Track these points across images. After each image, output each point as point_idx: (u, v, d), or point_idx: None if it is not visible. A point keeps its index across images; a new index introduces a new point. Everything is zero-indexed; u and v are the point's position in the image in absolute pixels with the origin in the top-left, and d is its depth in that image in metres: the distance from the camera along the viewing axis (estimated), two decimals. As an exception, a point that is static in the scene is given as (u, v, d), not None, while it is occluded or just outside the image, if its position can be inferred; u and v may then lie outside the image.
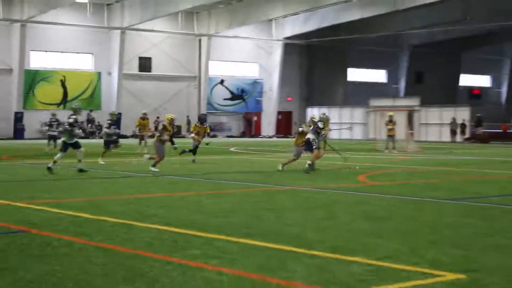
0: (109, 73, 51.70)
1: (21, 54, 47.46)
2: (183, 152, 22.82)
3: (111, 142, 23.05)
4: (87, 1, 49.12)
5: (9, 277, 6.38)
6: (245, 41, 57.46)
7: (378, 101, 52.22)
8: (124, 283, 6.13)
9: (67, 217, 10.12)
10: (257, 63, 58.99)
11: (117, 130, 24.41)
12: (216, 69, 56.63)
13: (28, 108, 48.62)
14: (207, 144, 24.35)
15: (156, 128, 49.11)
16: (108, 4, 50.50)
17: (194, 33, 54.60)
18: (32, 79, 48.84)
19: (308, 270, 6.65)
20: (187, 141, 30.17)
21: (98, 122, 50.00)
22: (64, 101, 50.12)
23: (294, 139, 20.54)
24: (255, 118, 59.47)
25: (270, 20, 55.06)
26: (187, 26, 54.16)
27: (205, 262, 6.96)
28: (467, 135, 48.66)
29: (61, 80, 49.96)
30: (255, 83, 59.01)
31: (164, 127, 19.68)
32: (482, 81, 75.83)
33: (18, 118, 48.00)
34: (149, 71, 53.85)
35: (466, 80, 73.08)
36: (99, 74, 51.56)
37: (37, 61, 49.36)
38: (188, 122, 52.72)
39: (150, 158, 20.34)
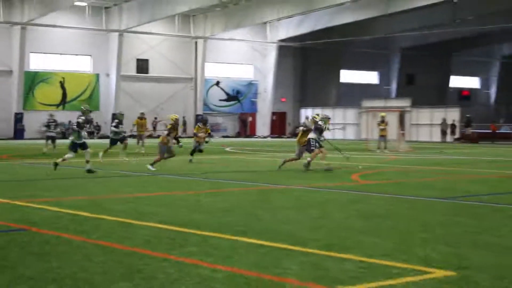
0: (107, 75, 52.12)
1: (21, 56, 47.84)
2: (199, 151, 23.02)
3: (117, 140, 23.54)
4: (86, 4, 49.52)
5: (9, 274, 6.40)
6: (241, 43, 57.84)
7: (370, 102, 52.70)
8: (122, 280, 6.15)
9: (66, 216, 10.12)
10: (252, 65, 59.33)
11: (124, 131, 24.60)
12: (212, 70, 56.99)
13: (28, 109, 49.03)
14: (206, 142, 23.89)
15: (154, 128, 50.32)
16: (106, 7, 50.99)
17: (191, 35, 54.99)
18: (32, 80, 49.30)
19: (302, 267, 6.68)
20: (186, 141, 30.33)
21: (97, 122, 50.71)
22: (63, 102, 50.72)
23: (297, 138, 20.40)
24: (250, 119, 59.73)
25: (265, 23, 55.41)
26: (183, 28, 54.61)
27: (201, 259, 6.98)
28: (457, 135, 48.90)
29: (60, 82, 50.43)
30: (250, 84, 59.37)
31: (172, 127, 19.89)
32: (472, 82, 76.37)
33: (18, 118, 48.46)
34: (147, 73, 54.33)
35: (456, 81, 73.53)
36: (97, 75, 52.00)
37: (37, 63, 49.80)
38: (184, 123, 53.54)
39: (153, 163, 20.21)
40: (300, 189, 14.35)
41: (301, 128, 20.44)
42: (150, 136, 44.63)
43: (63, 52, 50.82)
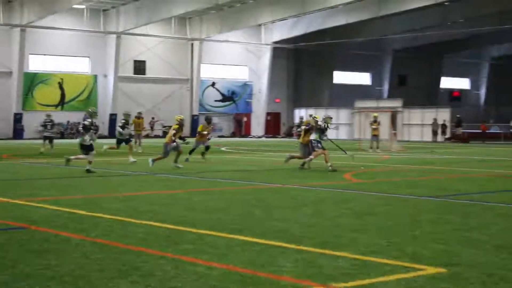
0: (105, 76, 52.52)
1: (20, 57, 48.18)
2: (206, 149, 23.48)
3: (122, 141, 23.62)
4: (84, 6, 49.85)
5: (9, 271, 6.45)
6: (236, 45, 58.22)
7: (362, 103, 52.85)
8: (119, 277, 6.17)
9: (65, 214, 10.17)
10: (247, 66, 59.66)
11: (130, 131, 24.80)
12: (208, 72, 57.34)
13: (27, 109, 49.34)
14: (208, 139, 24.18)
15: (152, 128, 50.95)
16: (104, 10, 51.42)
17: (187, 37, 55.37)
18: (31, 81, 49.68)
19: (296, 264, 6.73)
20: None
21: (94, 122, 51.24)
22: (61, 102, 51.16)
23: (300, 137, 20.48)
24: (245, 119, 60.05)
25: (259, 25, 55.65)
26: (179, 30, 55.03)
27: (196, 257, 7.01)
28: (447, 135, 49.16)
29: (59, 83, 50.83)
30: (245, 85, 59.68)
31: (179, 127, 20.26)
32: (462, 83, 76.60)
33: (18, 119, 48.79)
34: (144, 74, 54.70)
35: (447, 82, 73.77)
36: (95, 76, 52.37)
37: (36, 64, 50.20)
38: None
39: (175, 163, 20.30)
40: (294, 188, 14.39)
41: (303, 127, 20.49)
42: (147, 136, 45.34)
43: (61, 54, 51.22)
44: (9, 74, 48.97)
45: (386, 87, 68.79)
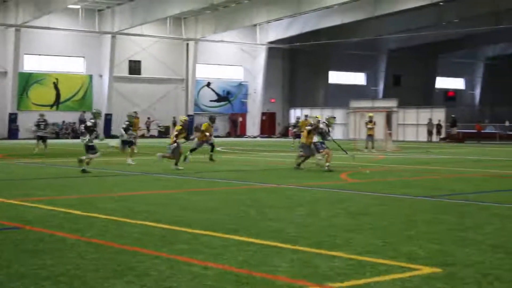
0: (100, 76, 52.55)
1: (15, 57, 48.21)
2: (212, 150, 23.50)
3: (126, 143, 23.28)
4: (79, 6, 49.87)
5: (3, 271, 6.44)
6: (231, 45, 58.24)
7: (358, 103, 53.07)
8: (114, 277, 6.18)
9: (60, 214, 10.20)
10: (242, 66, 59.71)
11: (134, 133, 24.32)
12: (203, 72, 57.43)
13: (22, 109, 49.33)
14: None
15: (148, 128, 50.91)
16: (99, 10, 51.46)
17: (182, 37, 55.43)
18: (26, 81, 49.69)
19: (292, 264, 6.74)
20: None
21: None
22: (56, 102, 51.21)
23: (303, 137, 20.46)
24: (240, 119, 60.09)
25: (255, 25, 55.65)
26: (175, 31, 55.06)
27: (191, 256, 7.03)
28: (442, 135, 49.38)
29: (54, 83, 50.87)
30: (240, 85, 59.75)
31: (182, 128, 20.34)
32: (457, 83, 76.77)
33: (12, 119, 48.84)
34: (139, 74, 54.75)
35: (442, 82, 73.90)
36: (90, 76, 52.41)
37: (31, 64, 50.23)
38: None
39: (164, 157, 20.54)
40: (291, 188, 14.48)
41: (307, 127, 20.48)
42: (143, 136, 45.34)
43: (57, 54, 51.26)
44: (4, 74, 49.01)
45: (381, 87, 68.87)
